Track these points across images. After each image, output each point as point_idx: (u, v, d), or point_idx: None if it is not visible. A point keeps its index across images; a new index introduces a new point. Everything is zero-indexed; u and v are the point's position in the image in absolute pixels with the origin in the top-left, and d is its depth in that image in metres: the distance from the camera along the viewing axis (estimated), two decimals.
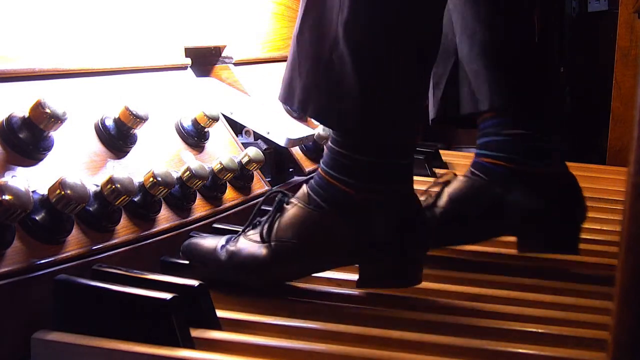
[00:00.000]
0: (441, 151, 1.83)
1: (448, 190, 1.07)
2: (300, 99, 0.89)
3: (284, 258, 0.88)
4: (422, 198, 1.07)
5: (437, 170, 1.67)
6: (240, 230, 0.95)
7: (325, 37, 0.85)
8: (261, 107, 1.37)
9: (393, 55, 0.85)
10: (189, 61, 1.28)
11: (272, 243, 0.88)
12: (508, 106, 1.03)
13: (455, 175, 1.10)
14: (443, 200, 1.06)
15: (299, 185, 1.30)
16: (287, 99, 0.91)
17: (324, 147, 0.92)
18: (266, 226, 0.89)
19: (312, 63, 0.87)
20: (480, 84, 1.05)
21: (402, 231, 0.87)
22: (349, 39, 0.83)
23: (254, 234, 0.91)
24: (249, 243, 0.90)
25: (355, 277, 0.95)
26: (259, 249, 0.89)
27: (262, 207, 0.96)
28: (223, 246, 0.92)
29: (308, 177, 1.37)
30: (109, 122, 0.98)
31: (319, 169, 0.90)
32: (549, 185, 1.02)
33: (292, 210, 0.89)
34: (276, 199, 0.91)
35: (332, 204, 0.87)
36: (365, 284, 0.90)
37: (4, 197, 0.71)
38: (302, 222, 0.88)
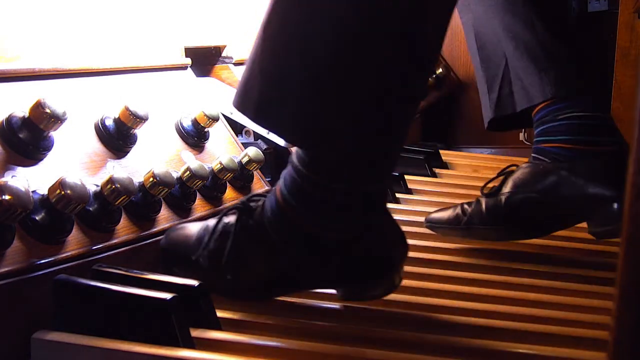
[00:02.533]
0: (441, 151, 1.83)
1: (512, 177, 1.09)
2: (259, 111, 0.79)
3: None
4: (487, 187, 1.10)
5: (438, 171, 1.66)
6: None
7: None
8: None
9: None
10: (189, 61, 1.28)
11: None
12: (560, 93, 1.07)
13: (518, 165, 1.12)
14: (508, 186, 1.08)
15: None
16: (240, 105, 0.82)
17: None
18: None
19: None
20: (530, 78, 1.09)
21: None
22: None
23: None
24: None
25: None
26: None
27: None
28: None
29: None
30: (109, 122, 0.98)
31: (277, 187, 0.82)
32: (618, 162, 1.03)
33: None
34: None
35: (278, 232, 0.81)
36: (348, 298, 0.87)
37: (4, 197, 0.71)
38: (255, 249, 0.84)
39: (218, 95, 1.34)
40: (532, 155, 1.12)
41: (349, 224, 0.80)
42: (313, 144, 0.75)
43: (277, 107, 0.74)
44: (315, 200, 0.78)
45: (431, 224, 1.14)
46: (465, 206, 1.11)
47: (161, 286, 0.79)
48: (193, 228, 0.91)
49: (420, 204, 1.39)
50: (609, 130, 1.05)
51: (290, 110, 0.73)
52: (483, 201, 1.09)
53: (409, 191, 1.47)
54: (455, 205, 1.14)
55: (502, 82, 1.15)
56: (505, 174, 1.11)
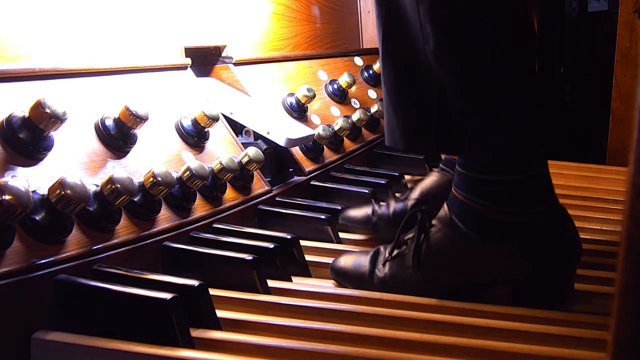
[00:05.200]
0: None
1: (420, 185, 1.18)
2: (405, 140, 0.89)
3: (436, 288, 0.90)
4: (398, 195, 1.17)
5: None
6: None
7: (415, 70, 0.85)
8: (261, 107, 1.37)
9: (489, 66, 0.83)
10: (189, 61, 1.28)
11: (424, 274, 0.90)
12: None
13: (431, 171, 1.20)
14: (415, 192, 1.16)
15: (302, 187, 1.29)
16: (390, 142, 0.92)
17: (455, 170, 0.91)
18: (414, 253, 0.90)
19: (407, 100, 0.88)
20: None
21: (568, 249, 0.87)
22: (443, 65, 0.82)
23: (401, 259, 0.92)
24: (401, 269, 0.92)
25: None
26: (412, 278, 0.90)
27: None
28: (372, 271, 0.95)
29: (306, 177, 1.37)
30: (109, 122, 0.98)
31: (455, 191, 0.89)
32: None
33: (437, 236, 0.89)
34: (418, 218, 0.91)
35: (479, 231, 0.86)
36: (522, 301, 0.89)
37: (4, 197, 0.71)
38: (451, 253, 0.88)
39: (218, 95, 1.34)
40: (440, 165, 1.18)
41: (523, 207, 0.85)
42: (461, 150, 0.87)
43: (420, 136, 0.89)
44: (488, 191, 0.86)
45: (344, 221, 1.19)
46: (376, 208, 1.17)
47: (161, 286, 0.79)
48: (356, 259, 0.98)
49: None
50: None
51: (431, 137, 0.87)
52: (392, 204, 1.16)
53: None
54: (369, 205, 1.19)
55: None
56: (418, 180, 1.18)
